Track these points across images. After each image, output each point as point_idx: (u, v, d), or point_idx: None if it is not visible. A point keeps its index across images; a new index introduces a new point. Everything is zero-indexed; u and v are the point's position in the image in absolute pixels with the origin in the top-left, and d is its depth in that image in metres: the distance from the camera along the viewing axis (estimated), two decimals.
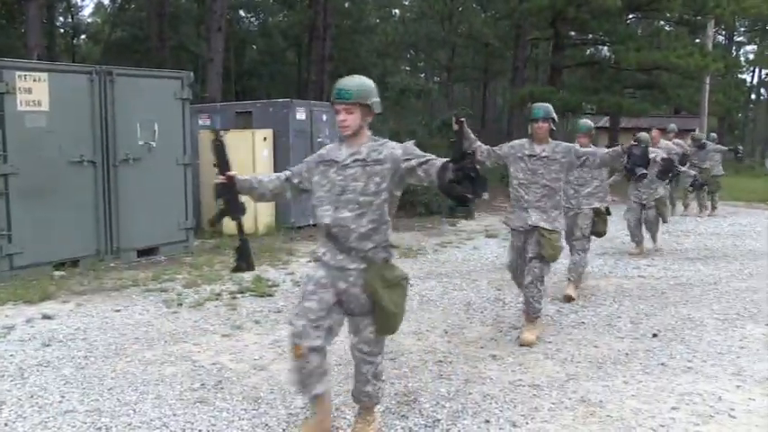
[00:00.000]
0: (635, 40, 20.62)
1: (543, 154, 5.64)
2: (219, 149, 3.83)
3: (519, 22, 24.32)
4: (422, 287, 7.72)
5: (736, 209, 17.13)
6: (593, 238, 7.80)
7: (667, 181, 10.20)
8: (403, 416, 4.16)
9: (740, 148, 18.92)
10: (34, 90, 7.79)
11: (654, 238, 10.44)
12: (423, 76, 43.46)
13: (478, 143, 5.72)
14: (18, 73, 7.70)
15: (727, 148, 17.17)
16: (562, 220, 5.79)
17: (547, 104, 5.78)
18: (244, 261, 3.96)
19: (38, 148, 7.91)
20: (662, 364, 5.11)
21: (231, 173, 3.80)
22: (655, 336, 5.85)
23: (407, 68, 45.41)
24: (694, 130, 18.19)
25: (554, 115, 5.70)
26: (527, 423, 4.07)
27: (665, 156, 9.34)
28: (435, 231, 12.30)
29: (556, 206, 5.68)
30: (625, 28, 23.87)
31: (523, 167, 5.68)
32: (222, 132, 4.09)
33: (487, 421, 4.09)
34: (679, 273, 8.65)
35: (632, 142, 6.06)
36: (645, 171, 6.81)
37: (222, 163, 3.83)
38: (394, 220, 3.59)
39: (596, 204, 7.50)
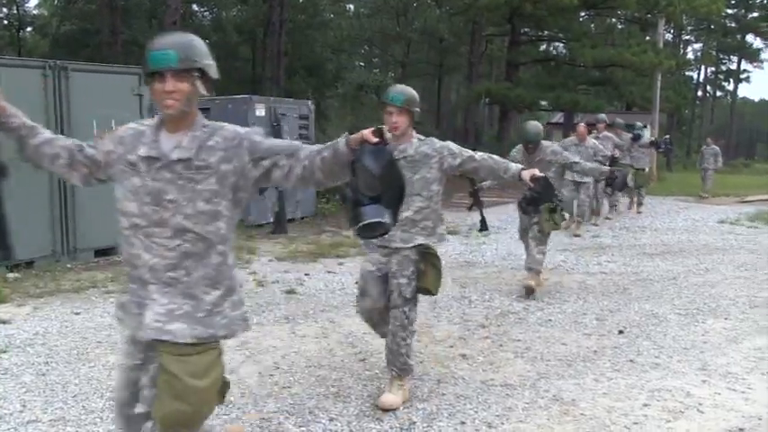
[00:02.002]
0: (590, 38, 20.96)
1: (177, 155, 2.52)
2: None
3: (475, 17, 24.46)
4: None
5: (688, 204, 17.50)
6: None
7: (537, 214, 6.85)
8: (377, 419, 4.11)
9: (666, 138, 16.63)
10: None
11: (533, 262, 7.30)
12: (376, 71, 43.44)
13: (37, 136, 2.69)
14: None
15: (649, 140, 15.16)
16: (232, 311, 2.63)
17: (183, 41, 2.50)
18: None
19: None
20: (630, 360, 5.18)
21: None
22: (621, 332, 5.92)
23: (362, 64, 45.35)
24: (643, 124, 17.01)
25: (202, 63, 2.50)
26: (502, 424, 4.06)
27: (538, 174, 4.41)
28: None
29: (216, 279, 2.58)
30: (580, 25, 24.23)
31: (137, 188, 2.55)
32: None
33: (463, 423, 4.08)
34: (639, 268, 8.79)
35: (371, 137, 2.50)
36: (359, 196, 2.57)
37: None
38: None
39: (421, 240, 4.26)
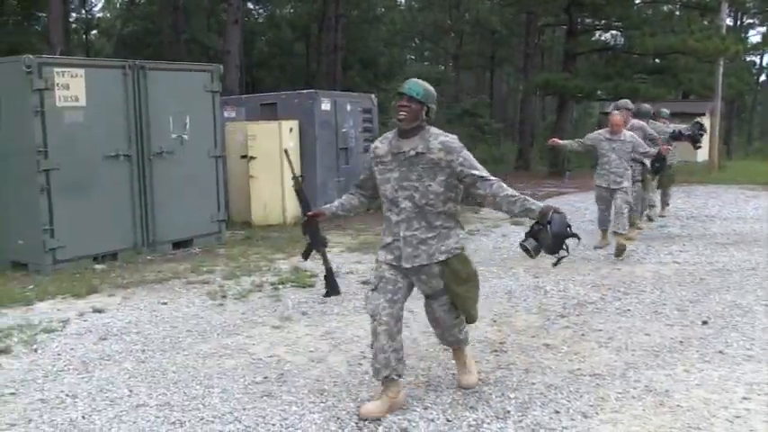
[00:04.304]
0: (649, 25, 20.54)
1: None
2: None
3: (531, 8, 24.18)
4: None
5: (755, 192, 17.04)
6: None
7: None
8: (471, 407, 4.16)
9: (697, 121, 11.92)
10: (71, 86, 7.80)
11: (465, 368, 4.51)
12: (426, 64, 43.33)
13: None
14: (56, 69, 7.73)
15: (670, 131, 11.37)
16: None
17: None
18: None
19: (76, 144, 7.94)
20: (720, 352, 5.10)
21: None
22: (705, 323, 5.83)
23: (412, 57, 45.31)
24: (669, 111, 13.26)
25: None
26: (597, 414, 4.07)
27: None
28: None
29: None
30: (638, 13, 23.74)
31: None
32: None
33: (557, 412, 4.10)
34: (713, 258, 8.63)
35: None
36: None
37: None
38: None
39: None
